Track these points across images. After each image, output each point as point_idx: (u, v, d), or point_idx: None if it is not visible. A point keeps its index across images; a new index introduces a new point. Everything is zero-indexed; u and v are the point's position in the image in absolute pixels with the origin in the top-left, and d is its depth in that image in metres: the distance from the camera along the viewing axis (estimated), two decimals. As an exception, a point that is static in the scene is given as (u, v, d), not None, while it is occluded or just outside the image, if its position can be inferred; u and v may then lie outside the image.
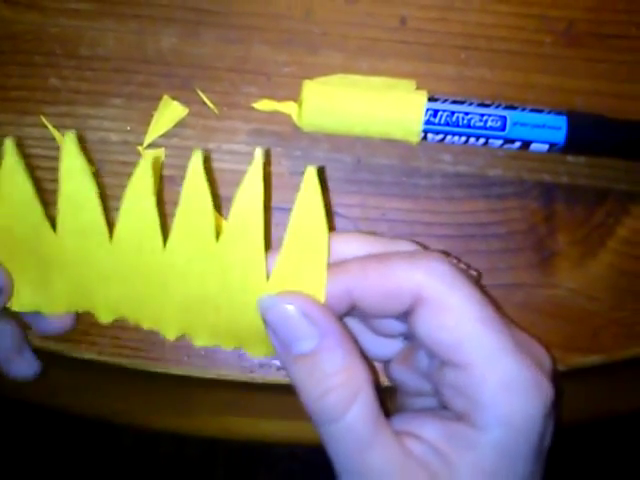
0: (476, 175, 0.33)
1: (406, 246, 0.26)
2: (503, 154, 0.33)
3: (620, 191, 0.33)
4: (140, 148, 0.33)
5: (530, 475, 0.23)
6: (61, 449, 0.35)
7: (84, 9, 0.33)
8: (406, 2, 0.34)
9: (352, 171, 0.33)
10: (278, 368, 0.32)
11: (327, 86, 0.31)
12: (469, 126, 0.31)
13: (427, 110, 0.31)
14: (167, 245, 0.26)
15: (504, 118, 0.31)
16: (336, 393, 0.23)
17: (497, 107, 0.31)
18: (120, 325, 0.32)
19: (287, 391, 0.33)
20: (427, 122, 0.31)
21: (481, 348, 0.23)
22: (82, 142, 0.32)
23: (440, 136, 0.31)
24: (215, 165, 0.33)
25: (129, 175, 0.33)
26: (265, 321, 0.25)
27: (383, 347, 0.27)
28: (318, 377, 0.23)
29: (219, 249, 0.25)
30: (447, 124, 0.31)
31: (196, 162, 0.25)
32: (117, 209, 0.26)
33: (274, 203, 0.33)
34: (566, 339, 0.32)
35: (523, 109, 0.31)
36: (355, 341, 0.24)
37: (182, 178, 0.32)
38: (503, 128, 0.31)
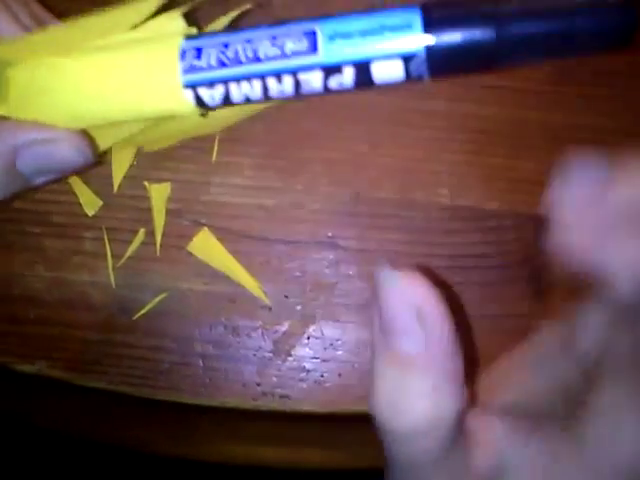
0: (473, 208, 0.34)
1: None
2: (501, 187, 0.34)
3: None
4: (146, 183, 0.34)
5: None
6: (68, 472, 0.36)
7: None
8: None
9: (351, 205, 0.34)
10: (281, 396, 0.33)
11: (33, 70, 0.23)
12: (257, 59, 0.20)
13: (183, 52, 0.21)
14: None
15: (312, 34, 0.20)
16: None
17: (299, 22, 0.20)
18: (129, 355, 0.34)
19: (289, 418, 0.34)
20: (189, 69, 0.20)
21: None
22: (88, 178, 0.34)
23: (220, 91, 0.21)
24: (218, 199, 0.34)
25: (136, 210, 0.34)
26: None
27: None
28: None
29: None
30: (222, 64, 0.20)
31: None
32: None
33: (265, 234, 0.34)
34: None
35: (344, 15, 0.20)
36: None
37: (187, 211, 0.34)
38: (314, 49, 0.20)
